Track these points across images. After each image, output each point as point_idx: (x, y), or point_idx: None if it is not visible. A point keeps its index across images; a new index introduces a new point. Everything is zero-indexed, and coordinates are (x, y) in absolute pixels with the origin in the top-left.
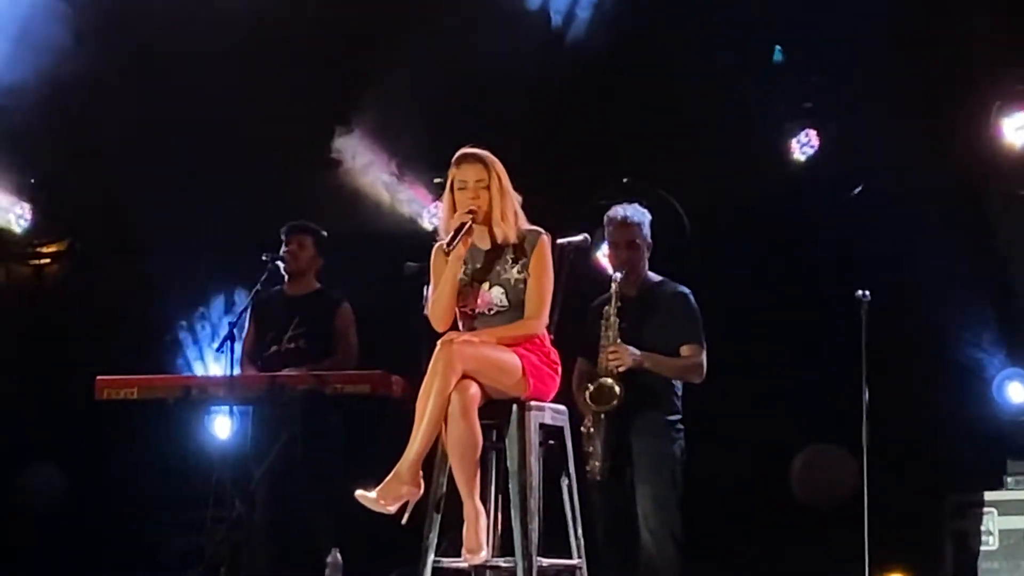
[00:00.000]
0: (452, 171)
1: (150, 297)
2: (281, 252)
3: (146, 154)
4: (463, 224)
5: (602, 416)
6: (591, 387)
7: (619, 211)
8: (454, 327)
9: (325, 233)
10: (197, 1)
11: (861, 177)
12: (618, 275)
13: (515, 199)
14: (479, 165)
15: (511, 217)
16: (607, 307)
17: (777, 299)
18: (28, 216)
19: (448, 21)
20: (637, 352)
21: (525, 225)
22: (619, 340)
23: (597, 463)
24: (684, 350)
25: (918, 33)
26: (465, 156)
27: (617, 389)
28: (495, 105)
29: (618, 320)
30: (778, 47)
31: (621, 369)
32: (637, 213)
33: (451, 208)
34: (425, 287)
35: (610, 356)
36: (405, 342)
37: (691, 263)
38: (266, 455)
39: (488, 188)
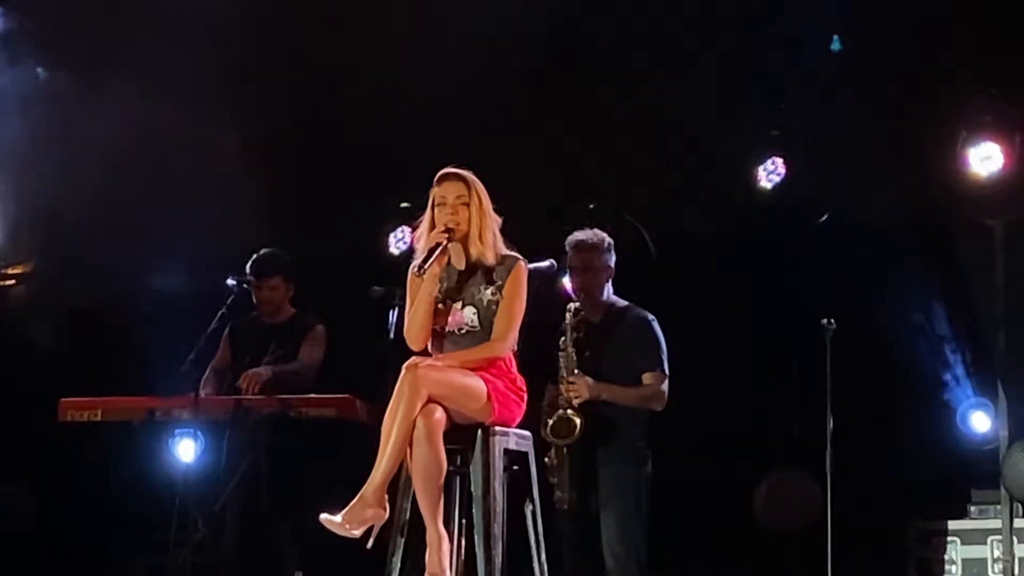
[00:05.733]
0: (434, 190)
1: (117, 318)
2: (251, 294)
3: (110, 175)
4: (438, 244)
5: (564, 449)
6: (551, 421)
7: (577, 235)
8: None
9: (291, 259)
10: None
11: (827, 205)
12: (573, 305)
13: (495, 221)
14: (460, 183)
15: (489, 238)
16: (563, 338)
17: (743, 326)
18: None
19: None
20: (595, 384)
21: (503, 249)
22: (577, 370)
23: (563, 494)
24: (646, 377)
25: (884, 63)
26: (446, 174)
27: (577, 421)
28: (460, 130)
29: (575, 349)
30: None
31: (579, 400)
32: (595, 237)
33: (431, 226)
34: (391, 311)
35: (568, 388)
36: (371, 365)
37: (657, 289)
38: (231, 478)
39: (468, 206)
